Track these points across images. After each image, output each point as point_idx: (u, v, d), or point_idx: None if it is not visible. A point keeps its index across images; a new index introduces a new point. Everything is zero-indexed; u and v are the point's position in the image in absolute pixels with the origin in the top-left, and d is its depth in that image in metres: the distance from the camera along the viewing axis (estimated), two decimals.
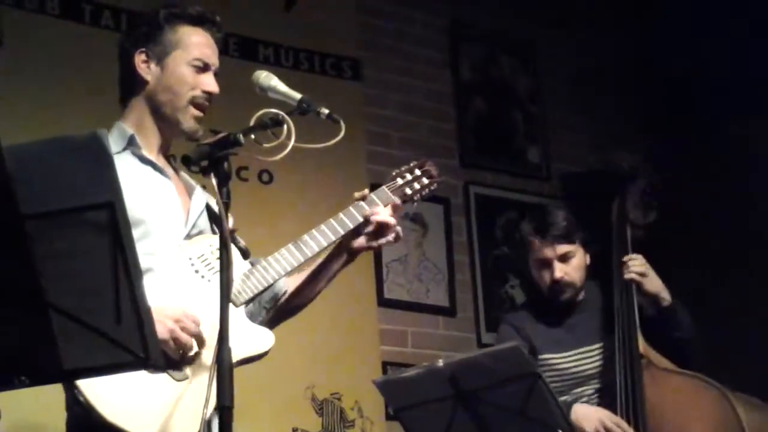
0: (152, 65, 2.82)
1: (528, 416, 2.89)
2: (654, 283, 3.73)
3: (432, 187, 3.07)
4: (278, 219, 4.58)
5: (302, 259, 2.79)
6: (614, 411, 3.58)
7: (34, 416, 3.77)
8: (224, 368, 2.22)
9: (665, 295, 3.72)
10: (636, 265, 3.74)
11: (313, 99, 2.67)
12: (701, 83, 5.56)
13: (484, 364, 2.93)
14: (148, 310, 1.86)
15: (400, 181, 3.01)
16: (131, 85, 2.86)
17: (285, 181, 4.78)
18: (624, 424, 3.52)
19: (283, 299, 2.91)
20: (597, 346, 3.76)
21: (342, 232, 2.84)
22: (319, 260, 2.91)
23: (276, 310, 2.91)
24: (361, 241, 2.89)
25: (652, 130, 5.80)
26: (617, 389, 3.56)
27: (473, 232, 5.37)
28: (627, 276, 3.71)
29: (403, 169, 3.05)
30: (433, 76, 5.51)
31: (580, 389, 3.72)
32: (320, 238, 2.82)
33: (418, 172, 3.05)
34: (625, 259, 3.77)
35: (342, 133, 2.65)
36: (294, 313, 2.96)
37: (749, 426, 3.38)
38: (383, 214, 2.87)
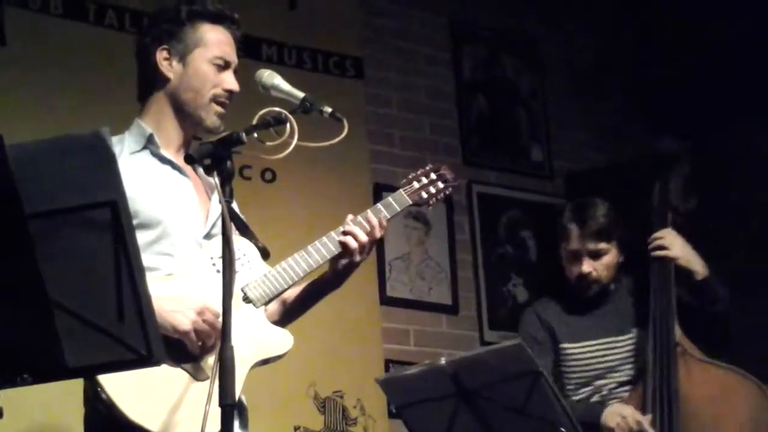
0: (174, 63, 2.82)
1: (530, 414, 2.89)
2: (684, 255, 3.68)
3: (447, 192, 3.08)
4: (281, 217, 4.58)
5: (321, 261, 2.80)
6: (644, 399, 3.57)
7: (37, 415, 3.79)
8: (227, 366, 2.22)
9: (698, 268, 3.67)
10: (663, 238, 3.70)
11: (316, 97, 2.68)
12: (704, 81, 5.55)
13: (487, 361, 2.94)
14: (150, 308, 1.87)
15: (416, 184, 3.02)
16: (151, 83, 2.85)
17: (288, 179, 4.78)
18: (644, 422, 3.50)
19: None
20: (623, 338, 3.73)
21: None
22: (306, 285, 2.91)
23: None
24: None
25: (655, 128, 5.80)
26: (650, 375, 3.53)
27: (476, 231, 5.37)
28: (654, 253, 3.68)
29: (419, 172, 3.06)
30: (435, 75, 5.51)
31: (602, 381, 3.71)
32: (336, 240, 2.82)
33: (433, 176, 3.06)
34: (653, 236, 3.73)
35: (345, 132, 2.66)
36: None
37: None
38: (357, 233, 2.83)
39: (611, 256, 3.77)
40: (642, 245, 3.78)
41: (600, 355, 3.73)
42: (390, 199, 2.94)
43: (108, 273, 1.82)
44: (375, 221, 2.83)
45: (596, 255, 3.75)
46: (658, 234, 3.73)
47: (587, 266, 3.74)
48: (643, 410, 3.54)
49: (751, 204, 5.27)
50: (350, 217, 2.85)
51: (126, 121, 2.92)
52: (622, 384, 3.71)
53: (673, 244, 3.69)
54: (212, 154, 2.41)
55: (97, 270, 1.84)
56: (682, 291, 3.68)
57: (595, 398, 3.71)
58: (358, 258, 2.81)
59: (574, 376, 3.73)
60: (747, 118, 5.33)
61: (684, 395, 3.50)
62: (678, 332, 3.60)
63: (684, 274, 3.67)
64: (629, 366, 3.71)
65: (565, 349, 3.76)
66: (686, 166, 3.86)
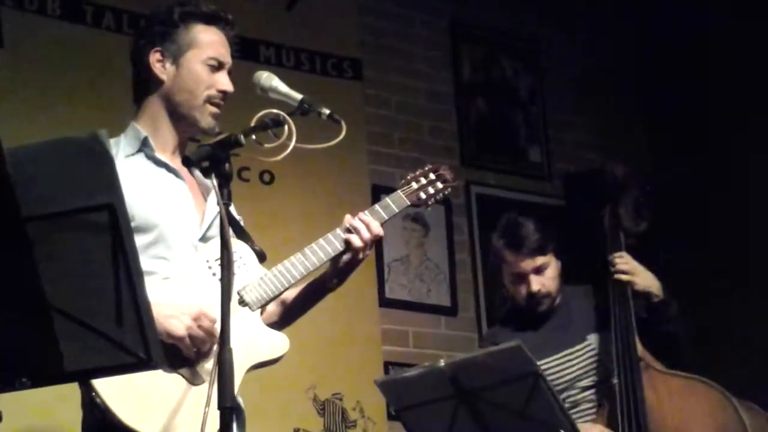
0: (167, 64, 2.81)
1: (529, 416, 2.89)
2: (644, 281, 3.72)
3: (446, 192, 3.06)
4: (280, 219, 4.58)
5: (318, 263, 2.79)
6: (610, 411, 3.58)
7: (36, 419, 3.78)
8: (226, 369, 2.22)
9: (656, 291, 3.71)
10: (621, 263, 3.74)
11: (314, 99, 2.67)
12: (701, 83, 5.56)
13: (486, 363, 2.93)
14: (149, 311, 1.86)
15: (414, 185, 2.99)
16: (146, 85, 2.85)
17: (286, 181, 4.78)
18: None
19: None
20: (580, 346, 3.74)
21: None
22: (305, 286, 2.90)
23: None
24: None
25: (652, 129, 5.81)
26: (617, 393, 3.55)
27: (474, 232, 5.37)
28: (615, 276, 3.72)
29: (417, 172, 3.03)
30: (433, 77, 5.51)
31: (568, 392, 3.72)
32: (334, 242, 2.81)
33: (432, 176, 3.03)
34: (611, 258, 3.76)
35: (343, 134, 2.65)
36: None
37: (752, 428, 3.36)
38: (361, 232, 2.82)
39: (553, 267, 3.80)
40: (594, 261, 3.81)
41: (562, 368, 3.73)
42: (388, 200, 2.93)
43: (106, 276, 1.82)
44: (368, 221, 2.82)
45: (540, 270, 3.77)
46: (618, 258, 3.76)
47: (536, 284, 3.76)
48: (613, 428, 3.55)
49: (751, 203, 5.27)
50: (348, 217, 2.85)
51: (124, 123, 2.91)
52: (586, 389, 3.72)
53: (635, 272, 3.73)
54: (210, 157, 2.41)
55: (96, 273, 1.83)
56: (638, 308, 3.71)
57: (565, 405, 3.73)
58: (361, 255, 2.81)
59: None
60: (747, 118, 5.34)
61: (651, 408, 3.52)
62: (639, 347, 3.62)
63: (641, 294, 3.72)
64: (592, 372, 3.72)
65: None
66: (634, 191, 3.90)
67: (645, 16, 5.96)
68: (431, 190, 3.02)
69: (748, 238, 5.26)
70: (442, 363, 2.93)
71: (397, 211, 2.93)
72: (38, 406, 3.55)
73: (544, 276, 3.77)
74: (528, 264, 3.75)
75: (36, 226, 1.78)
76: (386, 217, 2.89)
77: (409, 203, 2.97)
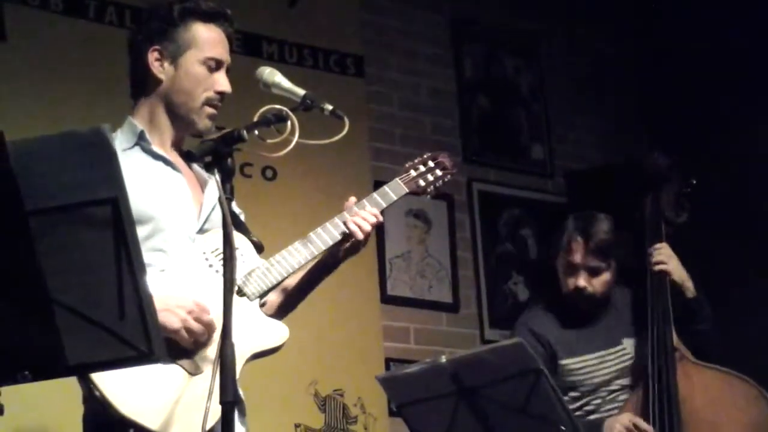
0: (166, 64, 2.80)
1: (531, 413, 2.89)
2: (679, 274, 3.72)
3: (446, 179, 3.05)
4: (282, 215, 4.58)
5: (315, 252, 2.79)
6: (642, 399, 3.58)
7: (38, 413, 3.78)
8: (227, 363, 2.22)
9: (690, 286, 3.71)
10: (661, 252, 3.73)
11: (317, 95, 2.67)
12: (702, 83, 5.56)
13: (487, 360, 2.93)
14: (151, 305, 1.86)
15: (413, 172, 3.00)
16: (143, 82, 2.83)
17: (288, 177, 4.78)
18: (641, 423, 3.51)
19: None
20: (615, 349, 3.75)
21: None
22: (304, 273, 2.90)
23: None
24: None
25: (652, 129, 5.81)
26: (649, 382, 3.54)
27: (476, 229, 5.37)
28: (655, 267, 3.70)
29: (416, 160, 3.04)
30: (436, 74, 5.51)
31: (595, 394, 3.72)
32: (332, 232, 2.81)
33: (431, 163, 3.03)
34: (650, 249, 3.75)
35: (346, 129, 2.65)
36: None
37: None
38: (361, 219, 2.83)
39: (608, 274, 3.80)
40: (636, 256, 3.80)
41: (594, 369, 3.73)
42: (386, 188, 2.94)
43: (109, 270, 1.82)
44: (368, 209, 2.83)
45: (595, 272, 3.77)
46: (658, 246, 3.75)
47: (583, 281, 3.76)
48: (644, 415, 3.55)
49: (750, 206, 5.27)
50: (347, 204, 2.84)
51: (125, 118, 2.91)
52: (613, 392, 3.72)
53: (672, 261, 3.72)
54: (213, 152, 2.41)
55: (98, 267, 1.83)
56: (673, 307, 3.71)
57: (589, 407, 3.73)
58: (360, 241, 2.81)
59: (570, 390, 3.74)
60: (748, 118, 5.33)
61: (683, 399, 3.51)
62: (675, 338, 3.62)
63: (675, 290, 3.71)
64: (624, 376, 3.72)
65: (566, 365, 3.76)
66: (676, 181, 3.90)
67: (645, 16, 5.96)
68: (430, 178, 3.02)
69: (750, 237, 5.26)
70: (443, 359, 2.92)
71: (395, 198, 2.94)
72: (39, 399, 3.55)
73: (597, 279, 3.77)
74: (588, 260, 3.75)
75: (38, 220, 1.78)
76: (384, 205, 2.90)
77: (407, 190, 2.97)
